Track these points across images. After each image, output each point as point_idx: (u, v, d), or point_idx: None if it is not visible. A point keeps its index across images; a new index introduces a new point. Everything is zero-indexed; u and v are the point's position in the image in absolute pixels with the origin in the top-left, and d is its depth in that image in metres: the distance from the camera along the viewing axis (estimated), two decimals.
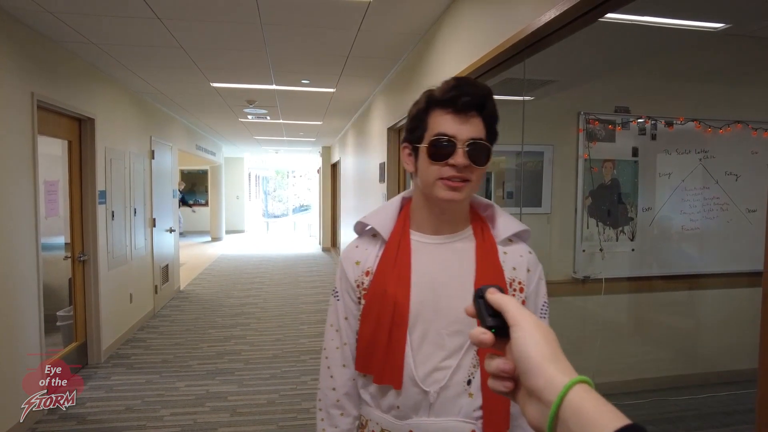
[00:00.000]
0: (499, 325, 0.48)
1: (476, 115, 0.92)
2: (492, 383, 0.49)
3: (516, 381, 0.47)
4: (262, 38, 3.40)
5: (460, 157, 0.90)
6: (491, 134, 0.95)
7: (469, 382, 0.95)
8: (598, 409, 0.39)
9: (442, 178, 0.92)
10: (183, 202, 14.32)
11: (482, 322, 0.50)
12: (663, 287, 3.33)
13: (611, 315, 3.32)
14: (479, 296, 0.52)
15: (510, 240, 1.02)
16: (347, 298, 1.05)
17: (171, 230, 6.59)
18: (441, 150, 0.91)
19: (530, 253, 1.03)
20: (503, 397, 0.93)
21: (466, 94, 0.91)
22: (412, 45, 3.51)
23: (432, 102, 0.94)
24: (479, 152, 0.91)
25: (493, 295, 0.50)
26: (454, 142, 0.90)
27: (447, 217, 0.98)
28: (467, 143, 0.90)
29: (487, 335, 0.48)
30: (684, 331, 3.40)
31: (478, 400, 0.95)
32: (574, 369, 0.43)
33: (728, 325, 3.27)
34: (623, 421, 0.37)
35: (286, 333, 5.06)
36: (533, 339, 0.45)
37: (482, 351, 0.92)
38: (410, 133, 0.98)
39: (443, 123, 0.92)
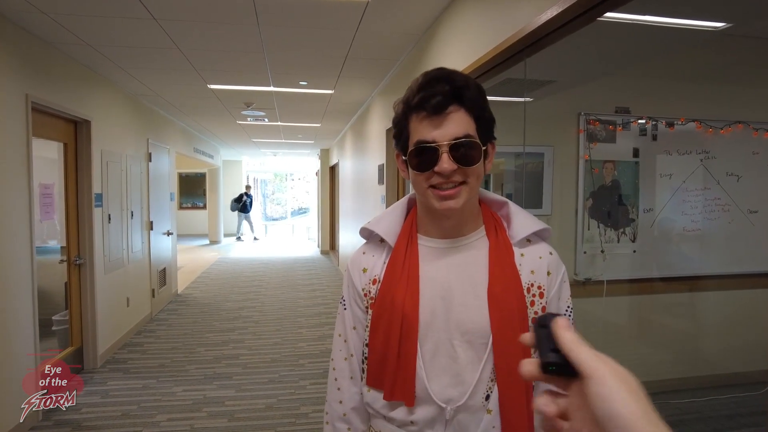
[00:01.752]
0: (560, 363, 0.43)
1: (457, 109, 0.83)
2: (544, 427, 0.45)
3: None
4: (259, 39, 3.37)
5: (445, 163, 0.82)
6: (482, 123, 0.86)
7: (487, 398, 0.88)
8: None
9: (432, 186, 0.86)
10: (245, 207, 13.26)
11: (541, 356, 0.45)
12: (664, 289, 3.30)
13: (613, 317, 3.29)
14: (542, 325, 0.46)
15: (528, 240, 0.94)
16: (355, 307, 0.99)
17: (168, 233, 6.54)
18: (424, 159, 0.85)
19: (551, 254, 0.94)
20: (523, 412, 0.88)
21: (436, 94, 0.82)
22: (410, 45, 3.49)
23: (407, 107, 0.87)
24: (466, 151, 0.83)
25: (564, 333, 0.44)
26: (435, 148, 0.83)
27: (452, 221, 0.92)
28: (450, 145, 0.83)
29: (550, 408, 0.43)
30: (686, 334, 3.37)
31: (497, 417, 0.88)
32: None
33: (730, 327, 3.25)
34: None
35: (284, 337, 5.02)
36: (620, 395, 0.39)
37: (500, 364, 0.87)
38: (396, 141, 0.92)
39: (421, 129, 0.85)
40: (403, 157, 0.90)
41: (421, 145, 0.85)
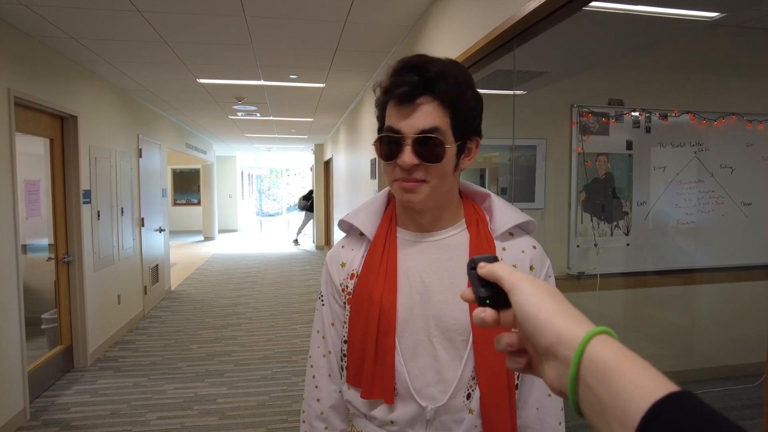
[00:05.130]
0: (493, 296, 0.45)
1: (428, 101, 0.78)
2: (509, 362, 0.46)
3: (531, 355, 0.44)
4: (247, 31, 3.31)
5: (406, 156, 0.78)
6: (458, 117, 0.80)
7: (468, 397, 0.85)
8: (627, 366, 0.35)
9: (396, 179, 0.83)
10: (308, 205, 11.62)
11: (476, 297, 0.47)
12: (658, 282, 3.28)
13: (606, 311, 3.27)
14: (471, 268, 0.48)
15: (511, 234, 0.90)
16: (333, 303, 0.96)
17: (161, 230, 6.49)
18: (388, 148, 0.81)
19: (535, 248, 0.91)
20: (505, 412, 0.85)
21: (404, 83, 0.77)
22: (401, 38, 3.44)
23: (383, 92, 0.83)
24: (430, 147, 0.78)
25: (483, 269, 0.47)
26: (399, 139, 0.79)
27: (427, 216, 0.88)
28: (414, 139, 0.78)
29: (487, 312, 0.45)
30: (679, 327, 3.36)
31: (479, 417, 0.85)
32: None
33: (724, 320, 3.23)
34: (659, 382, 0.34)
35: (277, 333, 4.99)
36: (533, 296, 0.42)
37: (481, 363, 0.84)
38: (378, 122, 0.89)
39: (392, 116, 0.81)
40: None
41: (388, 133, 0.81)
